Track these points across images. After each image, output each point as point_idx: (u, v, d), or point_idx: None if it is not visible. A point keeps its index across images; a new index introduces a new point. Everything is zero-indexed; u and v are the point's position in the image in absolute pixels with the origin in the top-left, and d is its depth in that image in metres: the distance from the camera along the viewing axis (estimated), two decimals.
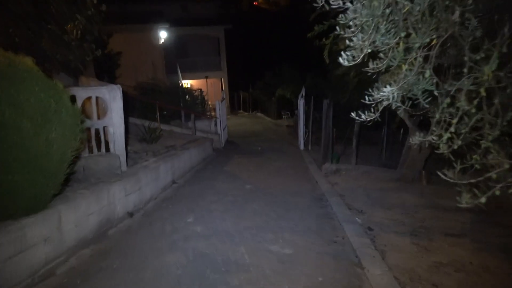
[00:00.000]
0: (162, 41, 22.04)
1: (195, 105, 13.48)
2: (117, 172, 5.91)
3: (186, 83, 23.76)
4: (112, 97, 5.90)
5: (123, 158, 6.15)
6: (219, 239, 4.64)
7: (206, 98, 14.99)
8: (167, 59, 22.99)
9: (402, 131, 10.11)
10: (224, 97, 14.02)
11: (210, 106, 23.31)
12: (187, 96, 13.52)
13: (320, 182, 7.83)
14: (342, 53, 2.77)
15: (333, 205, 6.20)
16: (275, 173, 8.82)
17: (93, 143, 5.86)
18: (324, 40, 7.23)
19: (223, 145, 13.38)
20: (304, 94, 12.88)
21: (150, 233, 4.89)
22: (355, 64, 3.04)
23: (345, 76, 10.22)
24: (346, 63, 2.79)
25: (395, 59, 2.95)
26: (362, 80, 8.59)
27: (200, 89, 15.88)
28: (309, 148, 12.25)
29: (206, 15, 26.24)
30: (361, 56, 2.78)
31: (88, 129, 5.80)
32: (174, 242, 4.52)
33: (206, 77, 20.79)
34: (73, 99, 5.67)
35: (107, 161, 5.86)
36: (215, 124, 13.28)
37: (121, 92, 6.05)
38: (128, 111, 12.39)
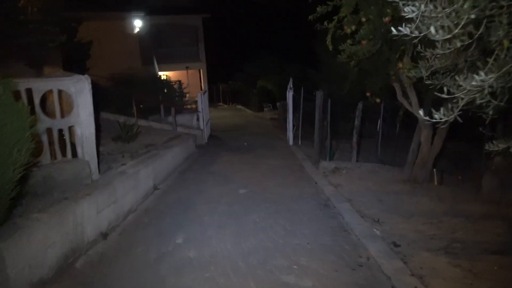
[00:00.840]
0: (137, 30, 20.45)
1: (174, 98, 12.24)
2: (87, 182, 4.77)
3: (163, 75, 22.33)
4: (79, 90, 4.71)
5: (94, 164, 5.00)
6: (220, 271, 3.61)
7: (186, 90, 13.73)
8: (143, 50, 21.38)
9: (398, 125, 9.37)
10: (206, 89, 12.85)
11: (190, 98, 22.05)
12: (165, 89, 12.24)
13: (321, 184, 6.93)
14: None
15: (343, 213, 5.31)
16: (269, 173, 7.86)
17: (56, 147, 4.69)
18: (326, 23, 6.24)
19: (206, 141, 12.26)
20: (292, 86, 11.90)
21: (129, 265, 3.79)
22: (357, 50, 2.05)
23: (345, 65, 9.31)
24: (437, 36, 1.82)
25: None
26: (363, 69, 7.69)
27: (179, 81, 14.60)
28: (299, 143, 11.34)
29: (184, 4, 24.67)
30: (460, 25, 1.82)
31: (51, 130, 4.63)
32: (162, 279, 3.46)
33: (187, 68, 19.43)
34: (29, 93, 4.50)
35: (74, 168, 4.70)
36: (197, 119, 12.13)
37: (90, 84, 4.87)
38: (100, 105, 11.06)
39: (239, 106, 27.16)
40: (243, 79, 26.58)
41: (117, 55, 17.79)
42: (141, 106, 11.36)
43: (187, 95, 15.40)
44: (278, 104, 23.19)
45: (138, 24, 20.20)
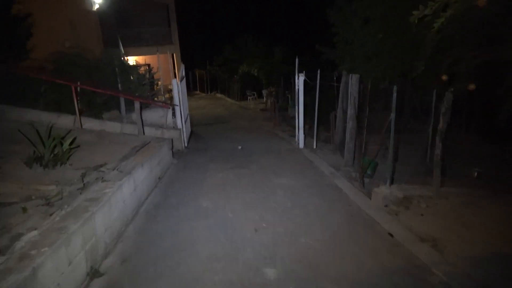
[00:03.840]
0: (96, 6, 16.25)
1: (142, 87, 8.57)
2: None
3: (131, 60, 18.25)
4: None
5: None
6: None
7: (157, 76, 9.96)
8: (106, 31, 17.24)
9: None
10: (183, 75, 9.23)
11: (162, 87, 18.27)
12: (131, 76, 8.48)
13: (402, 237, 3.73)
14: None
15: None
16: (293, 208, 4.59)
17: None
18: None
19: (186, 144, 8.77)
20: (298, 71, 8.54)
21: None
22: None
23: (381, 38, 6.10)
24: None
25: None
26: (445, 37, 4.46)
27: (148, 65, 10.86)
28: (314, 146, 8.06)
29: None
30: None
31: None
32: None
33: (158, 51, 15.52)
34: None
35: None
36: (173, 115, 8.58)
37: None
38: (28, 99, 7.27)
39: (218, 95, 23.49)
40: (222, 63, 22.85)
41: (70, 35, 13.64)
42: (93, 99, 7.66)
43: (159, 82, 11.65)
44: (263, 91, 19.77)
45: None
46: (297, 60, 8.69)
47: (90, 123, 7.25)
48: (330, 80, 8.22)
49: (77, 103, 6.63)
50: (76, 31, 13.62)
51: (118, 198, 3.94)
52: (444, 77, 4.71)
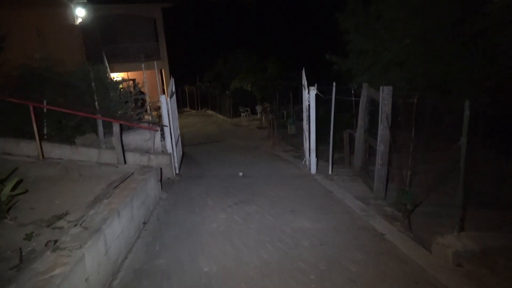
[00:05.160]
0: (79, 20, 14.86)
1: (125, 105, 7.11)
2: None
3: (117, 76, 16.81)
4: None
5: None
6: None
7: (143, 92, 8.47)
8: (90, 46, 15.81)
9: None
10: (173, 90, 7.87)
11: (150, 105, 16.77)
12: (110, 93, 6.99)
13: None
14: None
15: None
16: (337, 280, 3.19)
17: None
18: None
19: (178, 171, 7.34)
20: (305, 82, 7.28)
21: None
22: None
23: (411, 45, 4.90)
24: None
25: None
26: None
27: (133, 80, 9.45)
28: (329, 171, 6.72)
29: None
30: None
31: None
32: None
33: (143, 64, 14.14)
34: None
35: None
36: (162, 137, 7.16)
37: None
38: None
39: (209, 111, 22.13)
40: (213, 79, 21.58)
41: (49, 50, 12.17)
42: (64, 122, 6.20)
43: (147, 100, 10.21)
44: (257, 108, 18.51)
45: (80, 13, 14.64)
46: (303, 72, 7.44)
47: (58, 151, 5.77)
48: (341, 93, 6.98)
49: (45, 126, 5.17)
50: (60, 47, 12.10)
51: (75, 280, 2.48)
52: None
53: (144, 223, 4.47)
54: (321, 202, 5.21)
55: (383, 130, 5.03)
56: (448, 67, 4.77)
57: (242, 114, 18.13)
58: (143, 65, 7.62)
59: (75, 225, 3.13)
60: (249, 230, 4.22)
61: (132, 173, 5.14)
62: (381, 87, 4.98)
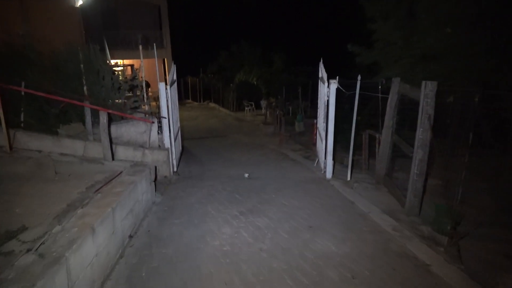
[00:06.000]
0: (79, 3, 13.89)
1: (118, 92, 6.15)
2: None
3: (119, 64, 15.84)
4: None
5: None
6: None
7: (142, 80, 7.47)
8: (90, 30, 14.85)
9: None
10: (174, 78, 6.95)
11: (151, 94, 15.79)
12: (102, 77, 6.00)
13: None
14: None
15: None
16: None
17: None
18: None
19: (176, 168, 6.45)
20: (323, 75, 6.35)
21: None
22: None
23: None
24: None
25: None
26: None
27: (131, 65, 8.48)
28: (348, 177, 5.81)
29: None
30: None
31: None
32: None
33: (142, 49, 13.17)
34: None
35: None
36: (160, 130, 6.26)
37: None
38: None
39: (212, 104, 21.16)
40: (217, 71, 20.58)
41: (47, 33, 11.18)
42: (48, 108, 5.28)
43: (144, 87, 9.23)
44: (262, 102, 17.57)
45: None
46: (321, 64, 6.51)
47: (37, 142, 4.86)
48: (361, 89, 6.06)
49: (22, 112, 4.25)
50: (57, 31, 11.07)
51: None
52: None
53: (131, 236, 3.58)
54: (343, 216, 4.32)
55: (423, 134, 4.12)
56: (498, 64, 3.86)
57: (246, 108, 17.18)
58: (140, 47, 6.64)
59: (28, 250, 2.24)
60: (260, 253, 3.33)
61: (121, 173, 4.24)
62: (423, 82, 4.06)
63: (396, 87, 5.18)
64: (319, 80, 6.78)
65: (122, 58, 17.21)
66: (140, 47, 6.49)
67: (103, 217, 2.87)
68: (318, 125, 6.98)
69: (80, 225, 2.66)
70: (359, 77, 5.41)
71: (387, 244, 3.59)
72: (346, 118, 6.19)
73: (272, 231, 3.82)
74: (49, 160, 3.98)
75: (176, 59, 19.14)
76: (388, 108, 5.38)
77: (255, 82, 16.20)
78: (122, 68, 12.87)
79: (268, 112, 15.09)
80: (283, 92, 14.50)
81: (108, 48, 9.15)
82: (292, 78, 15.11)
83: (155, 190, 4.96)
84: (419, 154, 4.18)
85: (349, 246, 3.51)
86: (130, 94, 8.66)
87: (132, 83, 6.71)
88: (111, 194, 3.43)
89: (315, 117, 12.07)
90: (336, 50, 7.67)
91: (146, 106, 6.94)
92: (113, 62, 12.68)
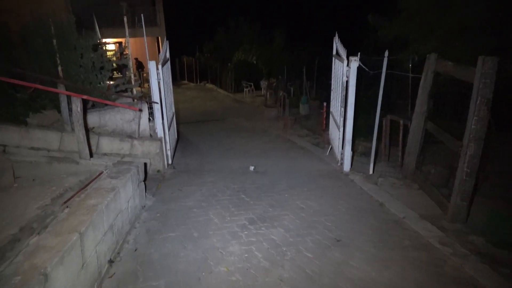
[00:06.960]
0: None
1: (102, 75, 5.15)
2: None
3: (110, 43, 14.53)
4: None
5: None
6: None
7: (127, 58, 6.34)
8: (77, 7, 13.52)
9: None
10: (167, 57, 5.93)
11: (145, 76, 14.69)
12: (80, 55, 4.93)
13: None
14: None
15: None
16: None
17: None
18: None
19: (171, 160, 5.56)
20: (338, 51, 5.36)
21: None
22: None
23: None
24: None
25: None
26: None
27: (120, 43, 7.40)
28: (371, 171, 4.95)
29: None
30: None
31: None
32: None
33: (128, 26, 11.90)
34: None
35: None
36: (151, 116, 5.33)
37: None
38: None
39: (209, 85, 19.99)
40: (214, 50, 19.31)
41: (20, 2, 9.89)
42: (14, 92, 4.30)
43: (144, 71, 8.15)
44: (261, 83, 16.49)
45: None
46: (336, 38, 5.51)
47: None
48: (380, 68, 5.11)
49: None
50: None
51: None
52: None
53: (111, 261, 2.72)
54: (375, 225, 3.48)
55: (478, 124, 3.24)
56: None
57: (245, 89, 16.09)
58: (125, 18, 5.56)
59: None
60: (280, 285, 2.50)
61: (100, 174, 3.34)
62: (480, 58, 3.14)
63: (432, 64, 4.24)
64: (333, 58, 5.80)
65: (115, 37, 15.93)
66: (125, 18, 5.42)
67: (64, 250, 2.00)
68: (332, 109, 6.05)
69: (27, 269, 1.79)
70: (386, 53, 4.45)
71: (439, 266, 2.77)
72: (360, 101, 5.27)
73: (292, 248, 2.99)
74: (5, 161, 3.06)
75: (170, 37, 17.85)
76: (420, 91, 4.47)
77: (254, 61, 15.05)
78: (114, 48, 11.70)
79: (268, 93, 14.08)
80: (284, 72, 13.44)
81: (98, 26, 8.02)
82: (294, 56, 13.99)
83: (145, 191, 4.09)
84: (471, 148, 3.31)
85: (393, 271, 2.69)
86: (119, 75, 7.62)
87: (118, 63, 5.67)
88: (84, 208, 2.55)
89: (320, 99, 11.14)
90: (345, 25, 6.70)
91: (135, 89, 5.93)
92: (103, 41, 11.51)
